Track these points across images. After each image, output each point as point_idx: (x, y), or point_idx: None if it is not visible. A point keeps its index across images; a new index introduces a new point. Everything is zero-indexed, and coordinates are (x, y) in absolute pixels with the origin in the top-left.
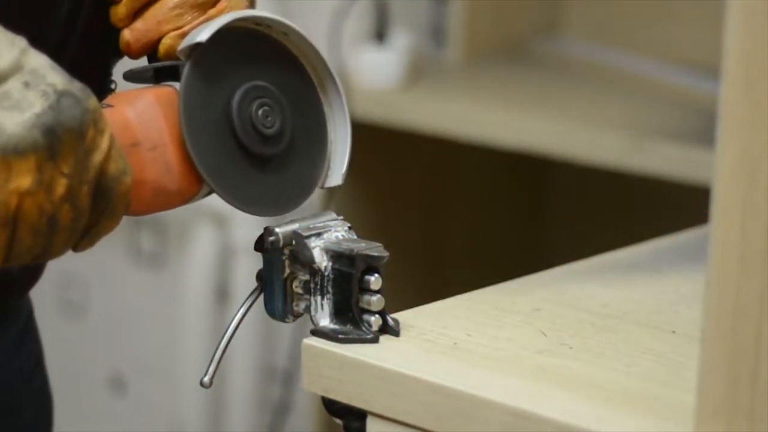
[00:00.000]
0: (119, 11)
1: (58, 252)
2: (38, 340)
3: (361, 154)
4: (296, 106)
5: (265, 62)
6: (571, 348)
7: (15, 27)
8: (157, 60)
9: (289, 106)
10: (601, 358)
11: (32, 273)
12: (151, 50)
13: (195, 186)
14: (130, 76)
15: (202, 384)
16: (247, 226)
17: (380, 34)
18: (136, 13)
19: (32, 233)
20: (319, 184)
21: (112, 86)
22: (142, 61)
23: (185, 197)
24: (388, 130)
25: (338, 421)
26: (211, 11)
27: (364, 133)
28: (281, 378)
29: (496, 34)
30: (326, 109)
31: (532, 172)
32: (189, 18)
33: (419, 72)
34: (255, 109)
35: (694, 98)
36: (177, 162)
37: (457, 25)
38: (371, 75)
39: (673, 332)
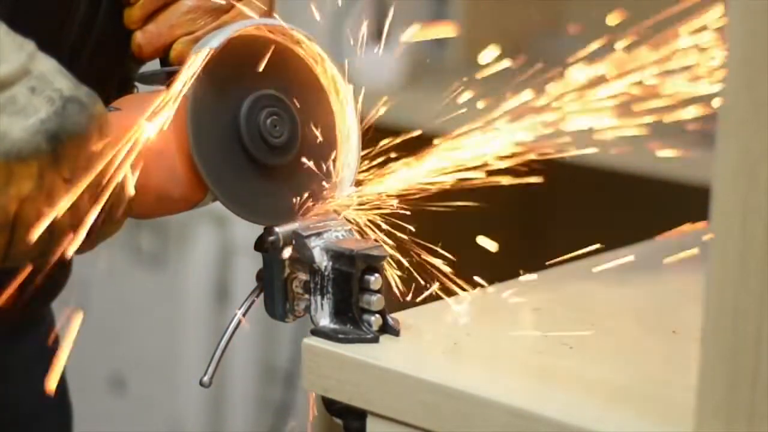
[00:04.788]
0: (133, 14)
1: (57, 255)
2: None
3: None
4: (306, 115)
5: (277, 70)
6: (571, 348)
7: (31, 30)
8: (169, 64)
9: (298, 115)
10: (601, 358)
11: (55, 282)
12: (162, 54)
13: (200, 193)
14: (142, 79)
15: (201, 384)
16: (247, 226)
17: (380, 34)
18: (150, 17)
19: (31, 237)
20: (326, 193)
21: (134, 92)
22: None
23: (189, 204)
24: (388, 130)
25: (338, 420)
26: (224, 17)
27: (364, 133)
28: (281, 378)
29: (496, 34)
30: (336, 118)
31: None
32: (202, 23)
33: (419, 72)
34: (264, 119)
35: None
36: (182, 169)
37: (457, 25)
38: (371, 75)
39: (673, 332)
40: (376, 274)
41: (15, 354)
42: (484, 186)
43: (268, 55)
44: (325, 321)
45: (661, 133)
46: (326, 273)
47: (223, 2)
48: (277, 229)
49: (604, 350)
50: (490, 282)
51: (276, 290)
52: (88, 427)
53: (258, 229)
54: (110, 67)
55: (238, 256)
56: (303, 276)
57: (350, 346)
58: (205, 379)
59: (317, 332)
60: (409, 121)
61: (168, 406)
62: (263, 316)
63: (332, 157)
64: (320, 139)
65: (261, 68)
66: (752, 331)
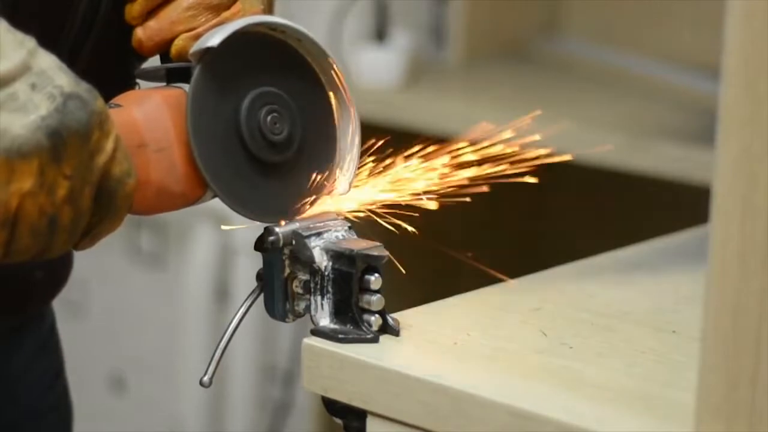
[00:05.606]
0: (134, 9)
1: (58, 251)
2: (60, 350)
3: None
4: (306, 113)
5: (277, 68)
6: (571, 348)
7: (32, 26)
8: (170, 60)
9: (298, 112)
10: (601, 358)
11: (55, 280)
12: (163, 50)
13: (199, 189)
14: (142, 75)
15: (201, 383)
16: (248, 226)
17: (380, 34)
18: (151, 12)
19: (31, 233)
20: (326, 191)
21: (136, 88)
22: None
23: (189, 200)
24: (388, 130)
25: (338, 420)
26: (225, 14)
27: (364, 133)
28: (281, 378)
29: (496, 34)
30: (336, 116)
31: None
32: (202, 20)
33: (419, 72)
34: (264, 116)
35: (694, 98)
36: (182, 165)
37: (457, 25)
38: (371, 75)
39: (673, 332)
40: (376, 274)
41: (15, 353)
42: (484, 185)
43: (268, 53)
44: (325, 321)
45: (661, 133)
46: (326, 273)
47: None
48: (277, 229)
49: (604, 350)
50: (490, 282)
51: (276, 290)
52: (88, 427)
53: (258, 229)
54: (111, 63)
55: (238, 256)
56: (303, 276)
57: (350, 346)
58: (205, 379)
59: (317, 332)
60: (409, 121)
61: (168, 406)
62: (263, 316)
63: (331, 155)
64: (320, 137)
65: (261, 65)
66: (752, 331)
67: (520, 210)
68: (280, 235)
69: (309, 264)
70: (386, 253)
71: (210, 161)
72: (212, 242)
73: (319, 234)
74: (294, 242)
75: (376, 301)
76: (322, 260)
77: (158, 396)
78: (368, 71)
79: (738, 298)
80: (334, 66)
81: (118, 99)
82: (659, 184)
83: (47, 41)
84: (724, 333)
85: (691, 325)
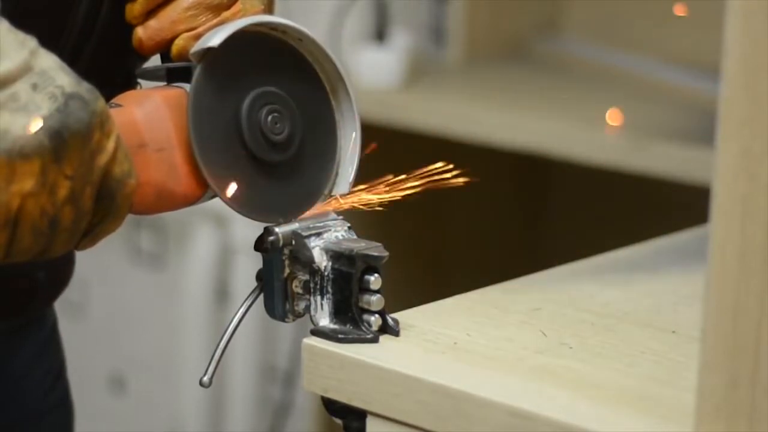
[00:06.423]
0: (135, 9)
1: (58, 251)
2: (61, 350)
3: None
4: (307, 113)
5: (278, 68)
6: (571, 348)
7: (33, 26)
8: (171, 60)
9: (299, 112)
10: (601, 358)
11: (58, 281)
12: (163, 49)
13: (200, 189)
14: (143, 74)
15: (201, 383)
16: (247, 226)
17: (380, 34)
18: (151, 12)
19: (32, 233)
20: (326, 191)
21: (137, 88)
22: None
23: (189, 200)
24: (388, 130)
25: (338, 420)
26: (226, 13)
27: (364, 133)
28: (281, 378)
29: (496, 34)
30: (337, 116)
31: (532, 173)
32: (203, 19)
33: (419, 72)
34: (264, 116)
35: (694, 98)
36: (183, 165)
37: (457, 25)
38: (371, 75)
39: (673, 332)
40: (376, 274)
41: (16, 354)
42: (484, 186)
43: (269, 53)
44: (324, 321)
45: (661, 133)
46: (326, 273)
47: None
48: (276, 229)
49: (604, 350)
50: (490, 282)
51: (276, 290)
52: (88, 427)
53: (258, 229)
54: (112, 63)
55: (238, 256)
56: (303, 276)
57: (350, 346)
58: (205, 379)
59: (317, 332)
60: (408, 121)
61: (168, 406)
62: (263, 316)
63: (332, 155)
64: (320, 137)
65: (262, 65)
66: (752, 331)
67: (521, 210)
68: (280, 235)
69: (309, 264)
70: (386, 253)
71: (210, 161)
72: (212, 242)
73: (318, 234)
74: (294, 242)
75: (375, 301)
76: (321, 260)
77: (158, 396)
78: (368, 71)
79: (738, 298)
80: (335, 66)
81: (119, 99)
82: (659, 184)
83: (48, 41)
84: (724, 333)
85: (691, 325)
